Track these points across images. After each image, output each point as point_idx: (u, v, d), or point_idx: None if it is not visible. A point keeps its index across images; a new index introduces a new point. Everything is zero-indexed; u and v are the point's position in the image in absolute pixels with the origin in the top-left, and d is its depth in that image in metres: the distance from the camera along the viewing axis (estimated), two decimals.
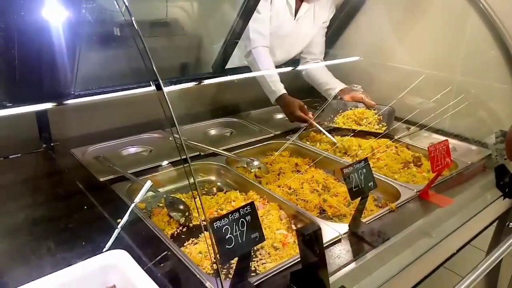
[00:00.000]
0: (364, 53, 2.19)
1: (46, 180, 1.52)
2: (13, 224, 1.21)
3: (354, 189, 1.16)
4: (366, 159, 1.23)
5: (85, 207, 1.30)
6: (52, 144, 1.70)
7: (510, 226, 1.87)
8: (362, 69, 2.25)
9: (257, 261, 1.17)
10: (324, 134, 1.94)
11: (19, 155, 1.61)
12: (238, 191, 1.52)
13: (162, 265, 1.05)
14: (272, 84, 1.99)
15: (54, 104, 1.46)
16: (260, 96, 2.23)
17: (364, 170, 1.20)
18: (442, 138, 1.85)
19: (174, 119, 0.96)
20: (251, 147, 1.83)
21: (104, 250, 1.04)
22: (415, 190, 1.48)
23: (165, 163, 1.60)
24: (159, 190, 1.47)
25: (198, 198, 1.11)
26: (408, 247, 1.27)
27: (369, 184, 1.21)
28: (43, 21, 1.33)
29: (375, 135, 1.95)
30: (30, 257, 1.07)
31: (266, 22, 1.99)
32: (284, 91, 1.99)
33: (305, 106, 1.98)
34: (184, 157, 0.98)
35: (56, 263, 0.98)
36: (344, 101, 2.15)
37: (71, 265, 0.95)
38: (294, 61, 2.34)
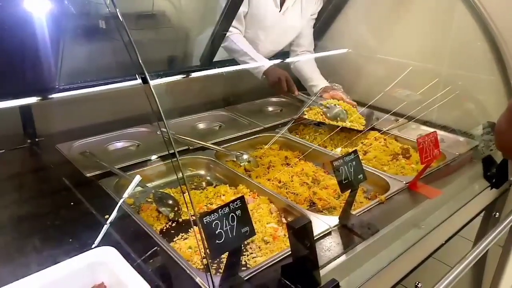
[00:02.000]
0: (352, 45, 2.19)
1: (31, 176, 1.49)
2: None
3: (343, 182, 1.16)
4: (355, 151, 1.23)
5: (72, 203, 1.28)
6: (37, 139, 1.67)
7: (496, 216, 1.90)
8: (350, 61, 2.25)
9: (248, 255, 1.16)
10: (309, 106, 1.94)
11: (3, 151, 1.57)
12: (227, 185, 1.50)
13: (151, 261, 1.04)
14: (257, 58, 1.98)
15: (38, 98, 1.42)
16: (249, 89, 2.22)
17: (354, 163, 1.20)
18: (430, 129, 1.87)
19: (161, 113, 0.94)
20: (240, 141, 1.82)
21: (92, 246, 1.02)
22: (404, 182, 1.48)
23: (153, 157, 1.57)
24: (147, 185, 1.45)
25: (187, 193, 1.10)
26: (397, 239, 1.28)
27: (359, 177, 1.21)
28: (26, 14, 1.29)
29: (355, 132, 1.95)
30: (16, 255, 1.05)
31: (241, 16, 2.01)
32: (271, 63, 1.97)
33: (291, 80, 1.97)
34: (172, 151, 0.97)
35: (43, 261, 0.96)
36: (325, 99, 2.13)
37: (58, 262, 0.94)
38: (284, 54, 2.32)
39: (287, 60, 2.29)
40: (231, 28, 1.99)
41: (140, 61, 0.98)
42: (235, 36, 2.02)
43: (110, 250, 0.96)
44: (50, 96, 1.47)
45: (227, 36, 1.99)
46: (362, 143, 1.86)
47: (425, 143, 1.40)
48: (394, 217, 1.30)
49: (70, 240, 1.10)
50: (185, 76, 1.84)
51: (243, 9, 1.98)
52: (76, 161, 1.53)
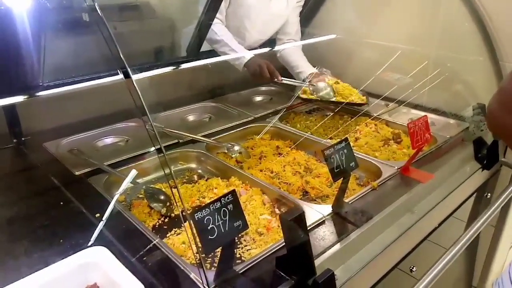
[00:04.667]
0: (340, 30, 2.16)
1: (19, 176, 1.46)
2: None
3: (335, 170, 1.16)
4: (346, 139, 1.22)
5: (61, 202, 1.25)
6: (23, 138, 1.63)
7: (488, 197, 1.92)
8: (339, 47, 2.22)
9: (242, 248, 1.15)
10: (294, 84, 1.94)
11: None
12: (219, 177, 1.49)
13: (145, 258, 1.03)
14: (238, 49, 1.96)
15: (23, 97, 1.39)
16: (238, 79, 2.19)
17: (345, 150, 1.19)
18: (421, 113, 1.87)
19: (145, 107, 0.92)
20: (231, 132, 1.80)
21: (84, 247, 1.00)
22: (396, 167, 1.48)
23: (142, 152, 1.55)
24: (138, 181, 1.43)
25: (176, 189, 1.09)
26: (391, 224, 1.28)
27: (351, 164, 1.20)
28: (5, 10, 1.25)
29: (357, 106, 1.94)
30: (6, 258, 1.03)
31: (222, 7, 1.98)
32: (252, 54, 1.95)
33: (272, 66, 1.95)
34: (158, 146, 0.95)
35: (34, 264, 0.94)
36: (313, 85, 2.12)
37: (49, 264, 0.92)
38: (270, 42, 2.30)
39: (274, 49, 2.26)
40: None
41: (121, 55, 0.95)
42: (217, 26, 1.98)
43: (102, 250, 0.95)
44: (35, 94, 1.44)
45: None
46: (353, 129, 1.85)
47: (416, 127, 1.40)
48: (387, 203, 1.30)
49: (61, 240, 1.08)
50: (172, 68, 1.81)
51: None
52: (64, 159, 1.50)
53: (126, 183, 1.17)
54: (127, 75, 0.85)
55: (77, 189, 1.32)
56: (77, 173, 1.41)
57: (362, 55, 2.23)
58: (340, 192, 1.22)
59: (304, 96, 2.02)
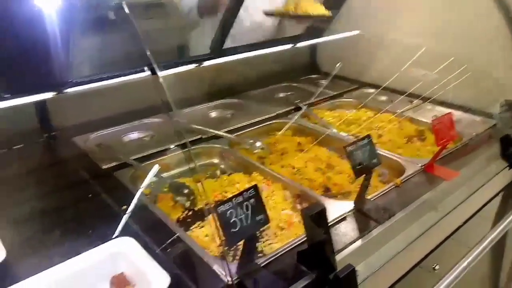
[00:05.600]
0: (363, 27, 2.14)
1: (50, 170, 1.52)
2: (20, 215, 1.22)
3: (358, 167, 1.16)
4: (368, 136, 1.22)
5: (90, 195, 1.30)
6: (53, 133, 1.69)
7: None
8: (361, 44, 2.20)
9: (264, 242, 1.17)
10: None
11: (22, 145, 1.61)
12: (241, 173, 1.51)
13: (169, 250, 1.06)
14: None
15: (52, 93, 1.44)
16: (260, 75, 2.20)
17: (368, 147, 1.19)
18: (446, 110, 1.84)
19: (171, 104, 0.94)
20: (252, 128, 1.82)
21: (111, 237, 1.04)
22: (420, 165, 1.47)
23: (167, 147, 1.59)
24: (162, 175, 1.47)
25: (200, 184, 1.11)
26: (414, 222, 1.27)
27: (373, 161, 1.20)
28: (35, 9, 1.30)
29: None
30: (39, 248, 1.08)
31: None
32: None
33: None
34: (184, 141, 0.98)
35: (65, 253, 0.98)
36: None
37: (79, 254, 0.96)
38: (293, 38, 2.29)
39: (298, 45, 2.26)
40: None
41: (148, 52, 0.98)
42: None
43: (129, 240, 0.98)
44: (64, 91, 1.49)
45: None
46: (376, 126, 1.83)
47: (441, 124, 1.38)
48: (410, 200, 1.29)
49: (90, 231, 1.12)
50: (195, 65, 1.84)
51: None
52: (92, 154, 1.55)
53: (149, 178, 1.20)
54: (154, 72, 0.88)
55: (104, 183, 1.37)
56: (104, 167, 1.46)
57: (385, 52, 2.20)
58: (362, 188, 1.22)
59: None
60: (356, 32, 2.03)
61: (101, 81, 1.57)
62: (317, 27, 2.24)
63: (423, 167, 1.46)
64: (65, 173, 1.48)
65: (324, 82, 2.09)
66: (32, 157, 1.60)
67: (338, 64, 2.13)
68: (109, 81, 1.57)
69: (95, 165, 1.47)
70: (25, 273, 0.90)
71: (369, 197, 1.27)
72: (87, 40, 1.66)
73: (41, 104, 1.66)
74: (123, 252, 0.96)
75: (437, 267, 1.46)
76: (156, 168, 1.20)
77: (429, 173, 1.44)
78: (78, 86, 1.53)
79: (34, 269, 0.91)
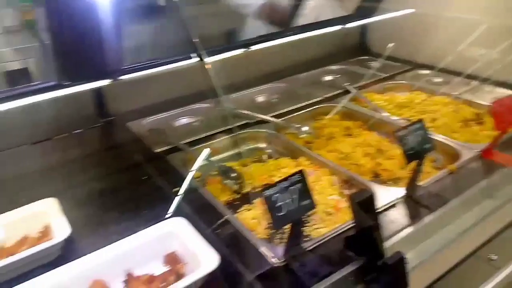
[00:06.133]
0: (416, 4, 2.03)
1: (107, 153, 1.61)
2: (81, 196, 1.30)
3: (409, 152, 1.12)
4: (420, 120, 1.17)
5: (144, 178, 1.37)
6: (109, 119, 1.79)
7: None
8: (415, 22, 2.10)
9: (310, 226, 1.17)
10: None
11: (81, 130, 1.71)
12: (288, 157, 1.51)
13: (217, 231, 1.09)
14: None
15: (108, 80, 1.51)
16: (309, 58, 2.17)
17: (420, 132, 1.14)
18: (508, 92, 1.72)
19: (219, 89, 0.96)
20: (299, 112, 1.80)
21: (164, 218, 1.09)
22: (477, 150, 1.39)
23: (216, 132, 1.62)
24: (211, 159, 1.50)
25: (248, 167, 1.13)
26: (469, 210, 1.22)
27: (426, 146, 1.15)
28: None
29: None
30: (97, 227, 1.16)
31: None
32: None
33: None
34: (231, 126, 0.99)
35: (122, 231, 1.05)
36: None
37: (135, 232, 1.02)
38: (344, 19, 2.23)
39: (348, 25, 2.19)
40: None
41: (196, 39, 0.99)
42: None
43: (181, 221, 1.03)
44: (118, 78, 1.56)
45: None
46: (430, 110, 1.75)
47: (501, 107, 1.29)
48: (465, 187, 1.23)
49: (144, 211, 1.18)
50: (242, 50, 1.85)
51: None
52: (145, 138, 1.62)
53: (200, 161, 1.24)
54: (201, 58, 0.90)
55: (157, 166, 1.43)
56: (156, 150, 1.52)
57: (441, 30, 2.08)
58: (414, 174, 1.18)
59: None
60: (409, 10, 1.93)
61: (152, 68, 1.63)
62: (368, 6, 2.16)
63: (480, 152, 1.38)
64: (121, 156, 1.56)
65: (374, 64, 2.02)
66: (91, 141, 1.70)
67: (390, 45, 2.05)
68: (160, 68, 1.62)
69: (148, 149, 1.54)
70: (86, 249, 0.97)
71: (421, 183, 1.23)
72: (138, 28, 1.71)
73: (98, 91, 1.75)
74: (176, 232, 1.00)
75: (494, 257, 1.39)
76: (206, 151, 1.24)
77: (486, 159, 1.36)
78: (130, 74, 1.59)
79: (95, 246, 0.98)
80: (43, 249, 0.98)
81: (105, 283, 0.90)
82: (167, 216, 1.10)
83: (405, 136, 1.11)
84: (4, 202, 1.14)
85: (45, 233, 1.08)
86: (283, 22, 2.11)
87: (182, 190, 1.18)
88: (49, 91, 1.30)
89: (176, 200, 1.15)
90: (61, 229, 1.03)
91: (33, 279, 0.89)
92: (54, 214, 1.10)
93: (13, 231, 1.07)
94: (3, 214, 1.11)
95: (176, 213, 1.11)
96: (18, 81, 1.93)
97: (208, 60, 0.92)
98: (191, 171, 1.22)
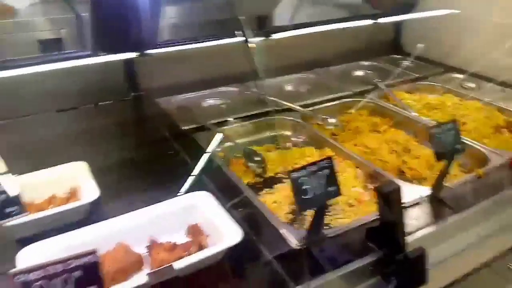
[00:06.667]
0: (457, 5, 1.98)
1: (135, 126, 1.64)
2: (109, 163, 1.33)
3: (439, 151, 1.11)
4: (454, 121, 1.15)
5: (170, 152, 1.39)
6: (139, 93, 1.81)
7: None
8: (452, 24, 2.05)
9: (331, 216, 1.17)
10: None
11: (111, 101, 1.74)
12: (312, 147, 1.51)
13: (240, 209, 1.10)
14: None
15: (140, 54, 1.53)
16: (342, 51, 2.14)
17: (452, 132, 1.13)
18: None
19: (259, 71, 0.96)
20: (327, 104, 1.79)
21: (181, 191, 1.11)
22: (507, 157, 1.36)
23: (242, 116, 1.63)
24: (237, 141, 1.52)
25: (273, 152, 1.13)
26: (492, 216, 1.20)
27: (457, 147, 1.14)
28: None
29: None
30: (123, 193, 1.18)
31: None
32: None
33: None
34: (259, 111, 0.99)
35: (146, 200, 1.06)
36: None
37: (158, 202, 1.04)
38: (374, 14, 2.19)
39: (379, 20, 2.16)
40: None
41: (240, 19, 1.00)
42: None
43: (206, 195, 1.04)
44: (151, 52, 1.58)
45: None
46: (461, 114, 1.72)
47: None
48: (491, 193, 1.21)
49: (169, 184, 1.20)
50: (276, 36, 1.84)
51: None
52: (174, 115, 1.64)
53: (213, 145, 1.29)
54: (244, 39, 0.90)
55: (183, 143, 1.45)
56: (184, 128, 1.54)
57: (478, 34, 2.03)
58: (441, 175, 1.16)
59: None
60: (449, 11, 1.89)
61: (186, 44, 1.64)
62: (406, 3, 2.12)
63: (510, 160, 1.35)
64: (149, 130, 1.59)
65: (405, 63, 1.99)
66: (120, 113, 1.73)
67: (419, 45, 2.02)
68: (193, 45, 1.63)
69: (176, 125, 1.56)
70: (113, 212, 1.00)
71: (447, 184, 1.21)
72: (176, 3, 1.71)
73: (130, 66, 1.77)
74: (200, 205, 1.02)
75: None
76: (220, 136, 1.26)
77: None
78: (163, 48, 1.60)
79: (120, 210, 1.00)
80: (70, 208, 1.02)
81: (129, 247, 0.92)
82: (178, 195, 1.10)
83: (437, 134, 1.09)
84: (35, 163, 1.18)
85: (73, 194, 1.12)
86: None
87: (196, 170, 1.19)
88: (82, 58, 1.32)
89: (189, 180, 1.17)
90: (90, 192, 1.06)
91: (58, 235, 0.92)
92: (83, 176, 1.13)
93: (43, 190, 1.11)
94: (34, 172, 1.14)
95: (199, 189, 1.12)
96: (51, 50, 1.97)
97: (253, 40, 0.92)
98: (207, 152, 1.24)
